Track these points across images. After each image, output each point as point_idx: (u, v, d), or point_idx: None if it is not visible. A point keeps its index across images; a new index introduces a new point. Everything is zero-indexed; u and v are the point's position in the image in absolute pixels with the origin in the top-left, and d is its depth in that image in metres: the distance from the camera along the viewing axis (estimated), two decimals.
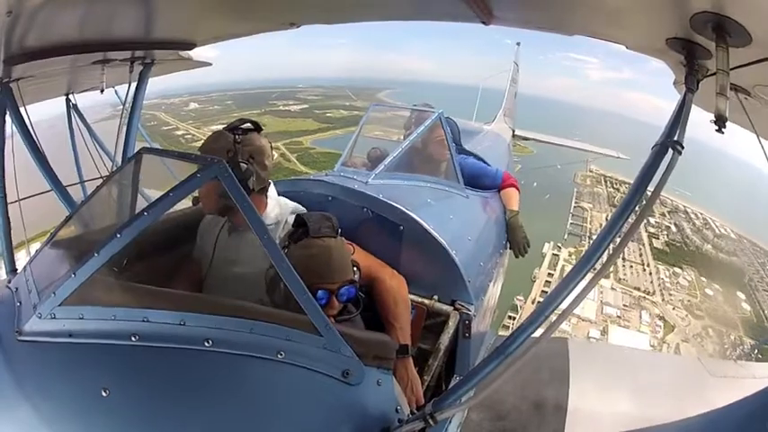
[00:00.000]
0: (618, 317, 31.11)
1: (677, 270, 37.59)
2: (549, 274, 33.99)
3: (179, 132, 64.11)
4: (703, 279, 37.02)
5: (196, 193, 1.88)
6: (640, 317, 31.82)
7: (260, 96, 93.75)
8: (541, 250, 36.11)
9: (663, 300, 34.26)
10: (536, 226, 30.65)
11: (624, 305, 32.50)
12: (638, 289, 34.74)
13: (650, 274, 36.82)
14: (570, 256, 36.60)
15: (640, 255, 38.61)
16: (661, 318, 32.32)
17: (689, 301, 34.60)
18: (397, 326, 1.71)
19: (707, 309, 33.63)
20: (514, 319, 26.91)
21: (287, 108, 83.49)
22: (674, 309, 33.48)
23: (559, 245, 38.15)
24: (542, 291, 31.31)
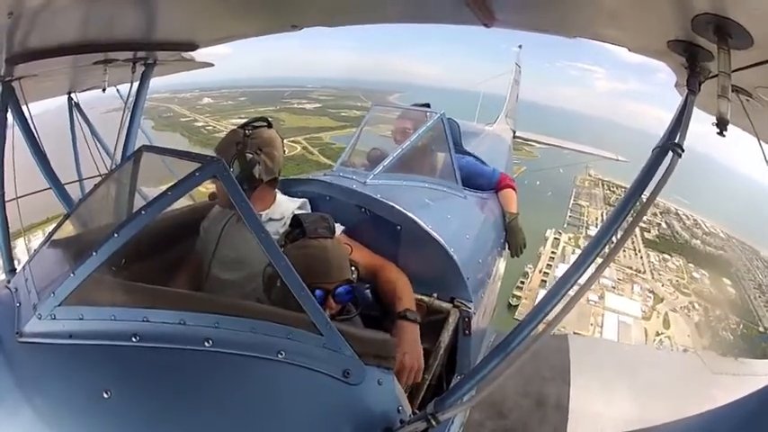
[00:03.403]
0: (612, 287, 34.86)
1: (666, 256, 41.11)
2: (552, 252, 38.40)
3: (198, 124, 65.33)
4: (691, 265, 40.22)
5: (213, 189, 1.93)
6: (632, 288, 35.71)
7: (272, 94, 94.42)
8: (544, 234, 39.88)
9: (653, 278, 37.79)
10: (539, 216, 36.61)
11: (618, 279, 36.21)
12: (630, 268, 38.21)
13: (641, 257, 40.16)
14: (570, 240, 40.74)
15: (632, 242, 41.24)
16: (651, 291, 35.91)
17: (677, 281, 37.96)
18: (404, 298, 1.73)
19: (694, 289, 36.91)
20: (524, 284, 33.02)
21: (301, 106, 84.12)
22: (662, 286, 36.93)
23: (560, 231, 42.27)
24: (547, 264, 36.44)
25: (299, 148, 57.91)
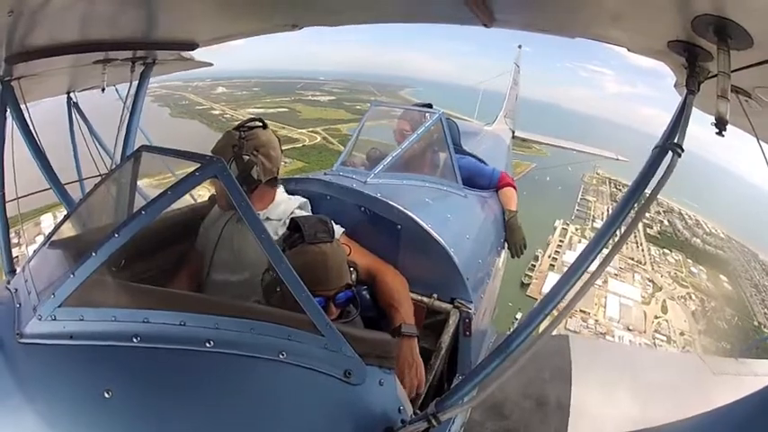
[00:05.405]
0: (615, 274, 37.56)
1: (666, 251, 43.79)
2: (560, 240, 41.61)
3: (215, 112, 65.64)
4: (690, 260, 42.83)
5: (213, 191, 1.93)
6: (633, 277, 38.73)
7: (285, 85, 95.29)
8: (553, 224, 43.11)
9: (652, 269, 40.56)
10: (549, 207, 40.91)
11: (620, 267, 38.76)
12: (632, 258, 40.93)
13: (642, 250, 42.80)
14: (576, 231, 43.43)
15: (634, 236, 43.35)
16: (650, 280, 38.69)
17: (675, 273, 40.65)
18: (401, 309, 1.72)
19: (692, 282, 39.46)
20: (534, 267, 36.20)
21: (315, 98, 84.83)
22: (661, 276, 39.69)
23: (567, 222, 45.10)
24: (556, 250, 39.50)
25: (320, 138, 58.86)
